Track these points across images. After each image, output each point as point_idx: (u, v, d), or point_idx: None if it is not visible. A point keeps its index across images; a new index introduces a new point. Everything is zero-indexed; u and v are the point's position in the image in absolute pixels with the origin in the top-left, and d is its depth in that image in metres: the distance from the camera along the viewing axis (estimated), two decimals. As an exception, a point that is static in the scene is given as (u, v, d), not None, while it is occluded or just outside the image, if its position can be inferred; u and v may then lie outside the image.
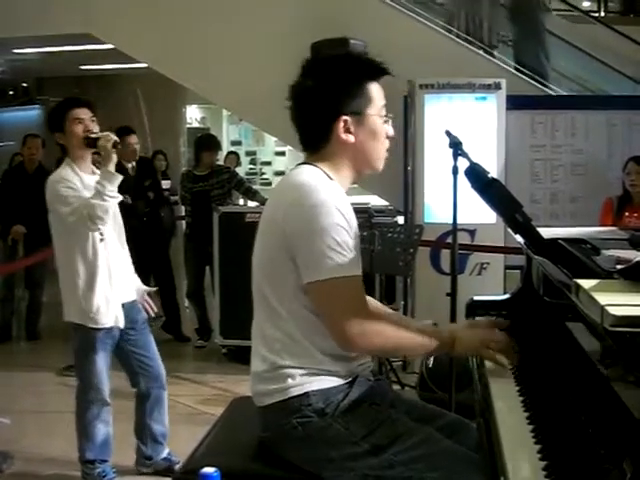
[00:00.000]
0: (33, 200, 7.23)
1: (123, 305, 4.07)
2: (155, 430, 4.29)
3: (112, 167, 3.88)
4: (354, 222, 2.32)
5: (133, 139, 6.96)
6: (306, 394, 2.28)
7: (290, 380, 2.29)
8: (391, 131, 2.44)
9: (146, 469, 4.33)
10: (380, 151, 2.44)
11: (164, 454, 4.33)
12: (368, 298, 2.66)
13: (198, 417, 5.12)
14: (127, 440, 4.32)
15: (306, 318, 2.29)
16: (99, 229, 3.90)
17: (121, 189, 3.98)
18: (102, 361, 4.05)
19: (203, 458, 2.37)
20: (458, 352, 2.41)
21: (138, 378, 4.23)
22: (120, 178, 3.93)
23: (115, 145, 3.88)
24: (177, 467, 4.15)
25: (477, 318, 2.96)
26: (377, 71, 2.41)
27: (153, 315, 4.44)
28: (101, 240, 3.96)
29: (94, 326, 3.97)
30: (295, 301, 2.30)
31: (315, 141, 2.41)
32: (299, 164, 2.45)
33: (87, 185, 3.96)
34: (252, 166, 13.90)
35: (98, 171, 4.04)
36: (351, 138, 2.36)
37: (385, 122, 2.42)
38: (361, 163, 2.42)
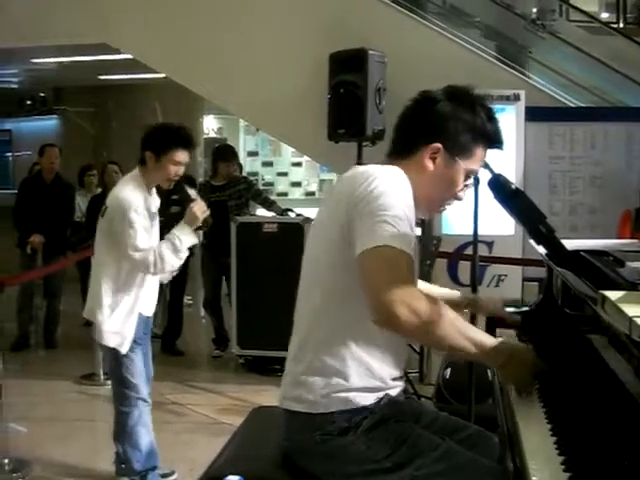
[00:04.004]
0: (51, 209, 7.33)
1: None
2: None
3: (192, 229, 3.95)
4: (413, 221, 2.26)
5: None
6: (332, 413, 2.24)
7: (320, 396, 2.24)
8: (462, 196, 2.41)
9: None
10: (442, 201, 2.41)
11: None
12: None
13: (215, 427, 5.11)
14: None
15: (347, 323, 2.23)
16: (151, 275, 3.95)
17: None
18: None
19: (225, 466, 2.36)
20: (506, 371, 2.20)
21: None
22: (195, 241, 4.02)
23: (204, 222, 4.04)
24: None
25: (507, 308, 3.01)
26: (494, 142, 2.40)
27: None
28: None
29: None
30: (340, 302, 2.23)
31: (402, 147, 2.37)
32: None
33: (147, 205, 3.98)
34: (269, 177, 13.91)
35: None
36: (430, 167, 2.32)
37: (465, 185, 2.38)
38: (419, 197, 2.31)
